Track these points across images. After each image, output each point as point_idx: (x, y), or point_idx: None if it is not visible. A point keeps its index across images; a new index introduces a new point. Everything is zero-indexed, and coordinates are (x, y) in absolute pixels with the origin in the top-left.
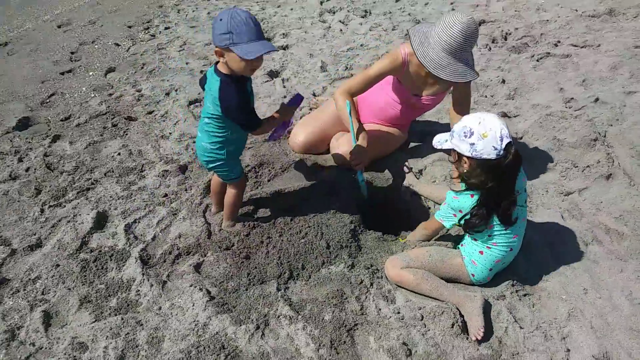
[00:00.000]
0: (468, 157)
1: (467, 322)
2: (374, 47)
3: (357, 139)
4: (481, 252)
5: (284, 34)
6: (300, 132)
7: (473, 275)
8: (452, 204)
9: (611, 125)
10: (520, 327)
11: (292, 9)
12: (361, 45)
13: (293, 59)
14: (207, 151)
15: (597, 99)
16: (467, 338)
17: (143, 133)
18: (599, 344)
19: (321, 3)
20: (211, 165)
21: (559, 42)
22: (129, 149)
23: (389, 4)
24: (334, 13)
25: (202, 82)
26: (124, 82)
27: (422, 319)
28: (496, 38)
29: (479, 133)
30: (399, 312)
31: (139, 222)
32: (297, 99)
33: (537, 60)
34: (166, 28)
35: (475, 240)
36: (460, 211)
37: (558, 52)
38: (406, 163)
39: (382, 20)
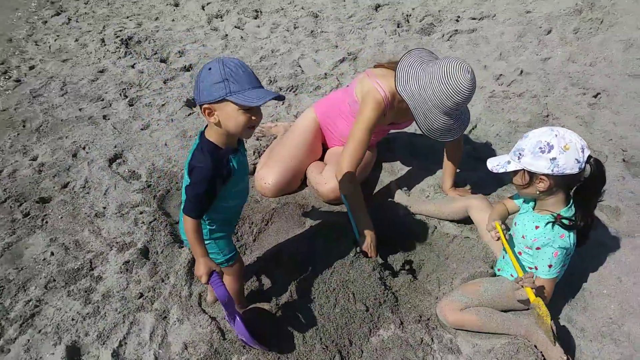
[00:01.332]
0: (546, 175)
1: (544, 353)
2: (286, 52)
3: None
4: (536, 267)
5: (179, 52)
6: (269, 175)
7: None
8: (563, 244)
9: (547, 96)
10: (590, 341)
11: (173, 20)
12: (272, 51)
13: None
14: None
15: (521, 71)
16: None
17: (69, 216)
18: None
19: (203, 8)
20: None
21: (458, 17)
22: (61, 242)
23: (276, 0)
24: (222, 18)
25: None
26: (10, 152)
27: None
28: (400, 22)
29: (560, 146)
30: None
31: (126, 343)
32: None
33: (449, 40)
34: (31, 68)
35: (536, 268)
36: (567, 251)
37: (464, 28)
38: (393, 184)
39: (278, 18)
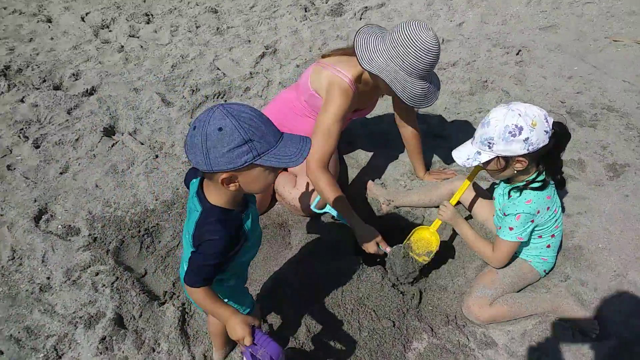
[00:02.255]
0: (523, 156)
1: (574, 321)
2: (198, 56)
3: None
4: (548, 246)
5: (73, 74)
6: None
7: (544, 271)
8: (528, 209)
9: (475, 61)
10: (604, 297)
11: (52, 39)
12: (182, 57)
13: (117, 104)
14: None
15: (443, 40)
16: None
17: (7, 298)
18: None
19: (82, 19)
20: None
21: None
22: (7, 335)
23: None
24: (109, 28)
25: (187, 182)
26: None
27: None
28: (307, 6)
29: (528, 125)
30: (511, 350)
31: None
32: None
33: (362, 18)
34: None
35: (540, 237)
36: (538, 212)
37: (372, 4)
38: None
39: (174, 19)
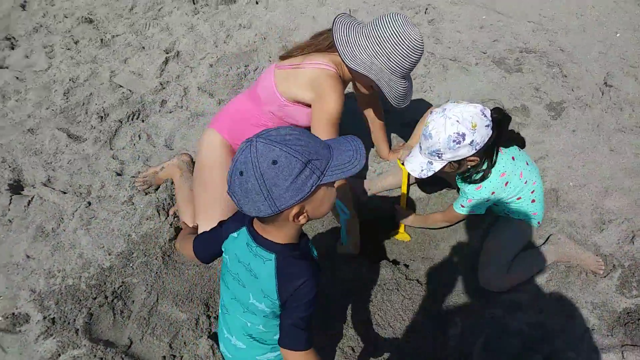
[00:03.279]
0: (473, 155)
1: (581, 265)
2: (91, 75)
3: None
4: (533, 201)
5: None
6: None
7: (538, 223)
8: (479, 195)
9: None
10: (597, 232)
11: None
12: (71, 80)
13: (12, 153)
14: None
15: (350, 10)
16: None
17: None
18: None
19: None
20: None
21: None
22: None
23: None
24: None
25: (206, 251)
26: None
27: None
28: None
29: (468, 128)
30: (539, 307)
31: None
32: None
33: (257, 2)
34: None
35: (520, 198)
36: (493, 193)
37: None
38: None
39: (43, 38)
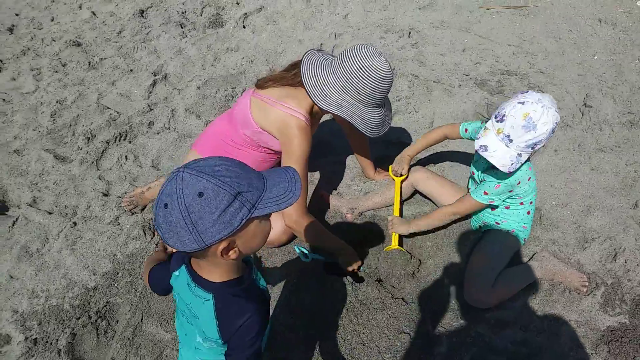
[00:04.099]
0: None
1: (565, 282)
2: (78, 97)
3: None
4: (528, 212)
5: None
6: None
7: (524, 239)
8: (509, 180)
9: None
10: (578, 251)
11: None
12: (59, 102)
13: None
14: None
15: (335, 35)
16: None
17: None
18: None
19: None
20: None
21: (237, 1)
22: None
23: (11, 41)
24: None
25: (158, 285)
26: None
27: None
28: (181, 22)
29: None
30: (524, 324)
31: None
32: None
33: (244, 26)
34: None
35: (522, 204)
36: (519, 183)
37: (250, 9)
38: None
39: (31, 61)
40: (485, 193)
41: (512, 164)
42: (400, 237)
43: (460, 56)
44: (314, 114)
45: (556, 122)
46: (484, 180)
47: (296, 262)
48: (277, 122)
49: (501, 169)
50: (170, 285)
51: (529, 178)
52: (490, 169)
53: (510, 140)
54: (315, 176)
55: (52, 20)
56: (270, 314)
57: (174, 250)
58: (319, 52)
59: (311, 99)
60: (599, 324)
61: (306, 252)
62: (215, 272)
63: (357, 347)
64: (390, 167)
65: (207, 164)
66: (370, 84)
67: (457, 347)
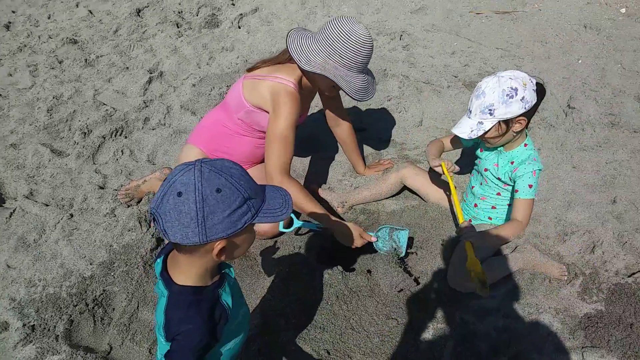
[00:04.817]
0: (521, 115)
1: (546, 273)
2: (74, 93)
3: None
4: (508, 205)
5: None
6: None
7: None
8: (538, 165)
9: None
10: (558, 244)
11: None
12: (55, 98)
13: None
14: None
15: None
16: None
17: None
18: None
19: None
20: None
21: (232, 2)
22: None
23: (8, 38)
24: None
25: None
26: None
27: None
28: (177, 21)
29: (520, 85)
30: (505, 312)
31: None
32: None
33: (240, 26)
34: None
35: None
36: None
37: (246, 10)
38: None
39: (28, 57)
40: (530, 186)
41: (472, 131)
42: None
43: (450, 58)
44: (303, 86)
45: (511, 87)
46: (519, 176)
47: (288, 253)
48: (268, 91)
49: (462, 135)
50: None
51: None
52: (512, 165)
53: (470, 112)
54: (306, 171)
55: (49, 17)
56: (256, 305)
57: None
58: (302, 29)
59: (296, 63)
60: (576, 311)
61: (294, 218)
62: (183, 271)
63: (346, 332)
64: (370, 168)
65: (223, 165)
66: (352, 47)
67: (442, 332)
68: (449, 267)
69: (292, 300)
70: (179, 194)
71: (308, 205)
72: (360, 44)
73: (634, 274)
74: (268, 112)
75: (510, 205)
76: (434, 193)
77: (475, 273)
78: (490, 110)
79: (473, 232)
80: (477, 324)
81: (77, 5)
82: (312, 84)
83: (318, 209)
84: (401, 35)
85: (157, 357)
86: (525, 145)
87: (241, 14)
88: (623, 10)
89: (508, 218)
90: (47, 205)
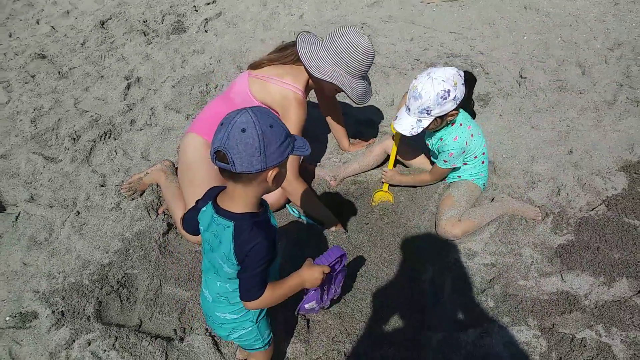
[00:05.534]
0: (454, 109)
1: (523, 214)
2: (55, 104)
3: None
4: (482, 162)
5: None
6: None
7: (483, 184)
8: (457, 145)
9: None
10: (530, 191)
11: None
12: (36, 110)
13: None
14: (228, 322)
15: (294, 33)
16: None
17: None
18: None
19: None
20: (234, 336)
21: (195, 6)
22: None
23: None
24: None
25: (190, 226)
26: None
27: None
28: (144, 30)
29: (452, 86)
30: (490, 251)
31: None
32: (336, 254)
33: (206, 30)
34: None
35: (476, 157)
36: (466, 143)
37: (210, 14)
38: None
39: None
40: (445, 161)
41: (412, 129)
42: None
43: (410, 44)
44: (307, 88)
45: (444, 90)
46: (440, 152)
47: (294, 221)
48: (277, 97)
49: (403, 133)
50: (198, 222)
51: (472, 135)
52: (438, 141)
53: (409, 110)
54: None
55: (10, 36)
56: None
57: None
58: (309, 34)
59: (307, 71)
60: (551, 243)
61: (297, 212)
62: (239, 204)
63: (356, 278)
64: (354, 145)
65: (264, 110)
66: (357, 58)
67: (440, 271)
68: (436, 219)
69: (290, 260)
70: (243, 130)
71: (312, 206)
72: (365, 55)
73: (594, 208)
74: (275, 111)
75: (467, 164)
76: (416, 161)
77: (376, 197)
78: (427, 110)
79: (393, 176)
80: (468, 263)
81: (37, 22)
82: (316, 86)
83: (320, 208)
84: (362, 27)
85: (214, 292)
86: (456, 138)
87: (206, 19)
88: None
89: (473, 170)
90: (50, 207)
